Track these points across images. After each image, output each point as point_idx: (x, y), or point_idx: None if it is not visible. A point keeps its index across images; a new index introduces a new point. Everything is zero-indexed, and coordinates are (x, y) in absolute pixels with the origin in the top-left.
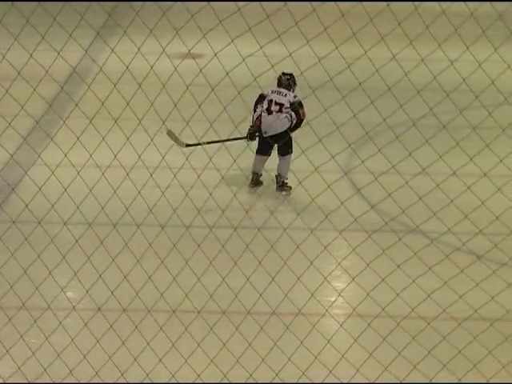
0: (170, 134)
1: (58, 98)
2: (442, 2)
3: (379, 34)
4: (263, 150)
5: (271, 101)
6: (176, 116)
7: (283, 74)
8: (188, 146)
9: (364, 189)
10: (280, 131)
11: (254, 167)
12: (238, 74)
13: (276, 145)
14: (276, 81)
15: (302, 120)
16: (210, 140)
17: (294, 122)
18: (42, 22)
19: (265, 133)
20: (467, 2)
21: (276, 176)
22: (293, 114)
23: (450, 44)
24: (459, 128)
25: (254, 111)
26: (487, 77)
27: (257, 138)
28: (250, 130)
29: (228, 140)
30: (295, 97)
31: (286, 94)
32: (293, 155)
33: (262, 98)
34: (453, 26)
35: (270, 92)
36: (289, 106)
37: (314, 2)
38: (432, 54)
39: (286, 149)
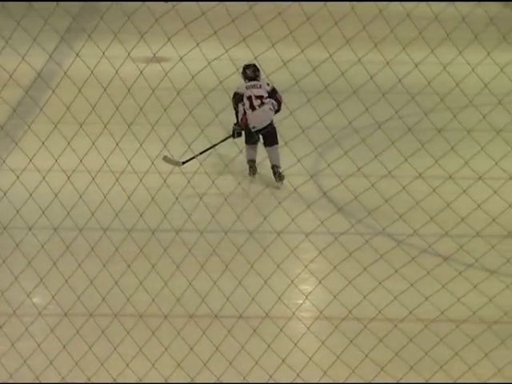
0: (166, 159)
1: (23, 102)
2: (405, 4)
3: (344, 37)
4: (253, 139)
5: (250, 97)
6: (142, 120)
7: (246, 67)
8: (184, 163)
9: (330, 192)
10: (268, 123)
11: (248, 156)
12: (204, 77)
13: (262, 137)
14: (242, 76)
15: (281, 103)
16: (201, 150)
17: (276, 108)
18: (6, 26)
19: (253, 128)
20: (431, 4)
21: (272, 167)
22: (273, 101)
23: (415, 47)
24: (424, 130)
25: (236, 110)
26: (452, 79)
27: (242, 133)
28: (234, 128)
29: (217, 144)
30: (268, 84)
31: (260, 85)
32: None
33: (239, 96)
34: (417, 29)
35: (245, 89)
36: (267, 95)
37: (279, 5)
38: (397, 56)
39: (273, 139)
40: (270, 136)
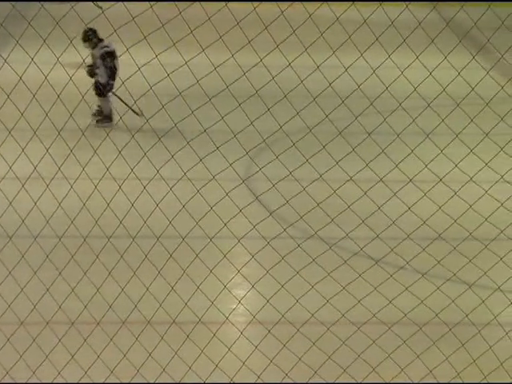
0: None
1: None
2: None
3: (274, 42)
4: None
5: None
6: (72, 125)
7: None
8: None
9: (262, 196)
10: None
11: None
12: (135, 83)
13: None
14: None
15: None
16: None
17: None
18: None
19: None
20: (360, 8)
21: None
22: None
23: (345, 51)
24: (355, 134)
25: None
26: (382, 83)
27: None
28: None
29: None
30: None
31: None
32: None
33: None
34: (347, 33)
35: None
36: None
37: (209, 10)
38: (327, 60)
39: None
40: None
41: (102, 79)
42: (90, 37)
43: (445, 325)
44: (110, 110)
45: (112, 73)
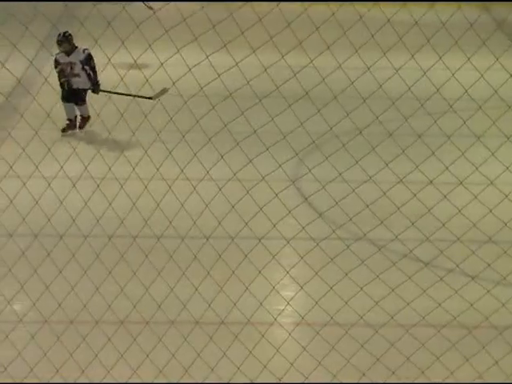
0: (164, 90)
1: (3, 108)
2: (385, 9)
3: (325, 43)
4: None
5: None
6: (123, 126)
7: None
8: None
9: (311, 197)
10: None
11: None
12: (185, 83)
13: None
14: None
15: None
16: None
17: None
18: None
19: None
20: (411, 10)
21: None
22: None
23: (396, 52)
24: (405, 136)
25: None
26: (432, 84)
27: None
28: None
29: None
30: None
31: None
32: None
33: None
34: (398, 35)
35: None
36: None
37: (260, 11)
38: (378, 62)
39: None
40: None
41: (86, 85)
42: (71, 41)
43: (495, 328)
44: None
45: (95, 73)
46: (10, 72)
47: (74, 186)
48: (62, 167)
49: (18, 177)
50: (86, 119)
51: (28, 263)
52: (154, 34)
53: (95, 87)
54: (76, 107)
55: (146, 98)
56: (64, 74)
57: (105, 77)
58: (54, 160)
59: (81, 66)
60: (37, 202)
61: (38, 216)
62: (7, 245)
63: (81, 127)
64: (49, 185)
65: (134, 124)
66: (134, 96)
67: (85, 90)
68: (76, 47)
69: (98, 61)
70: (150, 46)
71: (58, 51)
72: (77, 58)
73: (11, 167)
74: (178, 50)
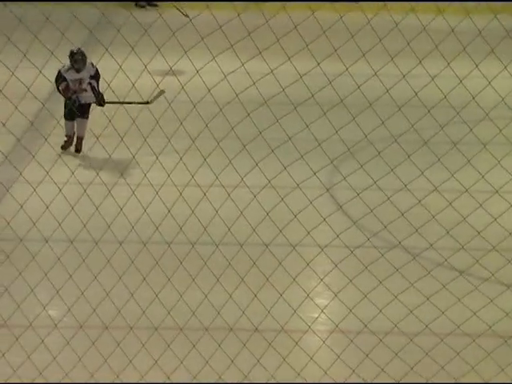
0: (161, 93)
1: (40, 115)
2: (421, 16)
3: (360, 51)
4: None
5: None
6: (158, 132)
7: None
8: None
9: (346, 205)
10: None
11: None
12: (220, 90)
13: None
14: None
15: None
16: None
17: None
18: (23, 39)
19: None
20: (447, 17)
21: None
22: None
23: (431, 60)
24: (440, 144)
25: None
26: (468, 92)
27: None
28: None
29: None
30: None
31: None
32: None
33: None
34: (434, 42)
35: None
36: None
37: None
38: (413, 69)
39: None
40: None
41: (92, 99)
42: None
43: None
44: None
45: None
46: (47, 78)
47: (110, 192)
48: (97, 174)
49: (54, 182)
50: (81, 140)
51: (64, 269)
52: (190, 41)
53: (101, 100)
54: (76, 124)
55: (143, 103)
56: (71, 90)
57: (140, 84)
58: (90, 166)
59: (88, 80)
60: (72, 208)
61: (73, 222)
62: (43, 250)
63: (78, 150)
64: (84, 191)
65: (169, 130)
66: (131, 103)
67: (89, 105)
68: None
69: (134, 68)
70: (185, 52)
71: (65, 65)
72: (87, 73)
73: (47, 173)
74: (214, 58)
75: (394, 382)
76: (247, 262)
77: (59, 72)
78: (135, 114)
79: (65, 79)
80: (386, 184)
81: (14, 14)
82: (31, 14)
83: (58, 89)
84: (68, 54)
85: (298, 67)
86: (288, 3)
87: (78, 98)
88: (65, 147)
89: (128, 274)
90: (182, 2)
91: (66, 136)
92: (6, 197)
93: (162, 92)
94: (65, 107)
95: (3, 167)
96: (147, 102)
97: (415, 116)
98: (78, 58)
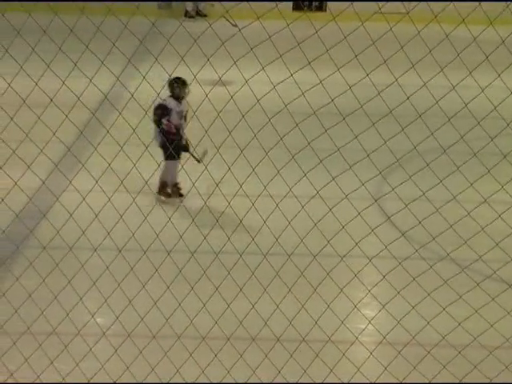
0: (205, 153)
1: (90, 124)
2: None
3: (410, 61)
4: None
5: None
6: (207, 142)
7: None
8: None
9: (394, 216)
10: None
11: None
12: (269, 100)
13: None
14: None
15: (156, 121)
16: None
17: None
18: (74, 49)
19: None
20: (497, 28)
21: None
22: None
23: (481, 71)
24: (490, 155)
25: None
26: None
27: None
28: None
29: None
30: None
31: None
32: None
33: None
34: (484, 53)
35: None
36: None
37: (344, 31)
38: (463, 80)
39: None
40: None
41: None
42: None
43: None
44: None
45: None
46: (97, 88)
47: (158, 202)
48: (146, 183)
49: (103, 192)
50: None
51: (112, 277)
52: (239, 51)
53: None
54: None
55: (197, 160)
56: (173, 125)
57: (191, 94)
58: (139, 175)
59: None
60: (121, 217)
61: (122, 231)
62: (92, 259)
63: (182, 195)
64: (133, 200)
65: (218, 140)
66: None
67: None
68: None
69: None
70: (234, 62)
71: (163, 94)
72: (185, 105)
73: (97, 182)
74: (263, 68)
75: None
76: (295, 273)
77: (163, 105)
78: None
79: (170, 110)
80: (435, 195)
81: (66, 23)
82: (82, 24)
83: (158, 125)
84: (167, 81)
85: (347, 77)
86: (338, 14)
87: (183, 134)
88: (179, 196)
89: (176, 283)
90: (230, 12)
91: (168, 183)
92: (56, 206)
93: (205, 152)
94: (167, 146)
95: (53, 176)
96: (198, 161)
97: (464, 127)
98: (182, 81)
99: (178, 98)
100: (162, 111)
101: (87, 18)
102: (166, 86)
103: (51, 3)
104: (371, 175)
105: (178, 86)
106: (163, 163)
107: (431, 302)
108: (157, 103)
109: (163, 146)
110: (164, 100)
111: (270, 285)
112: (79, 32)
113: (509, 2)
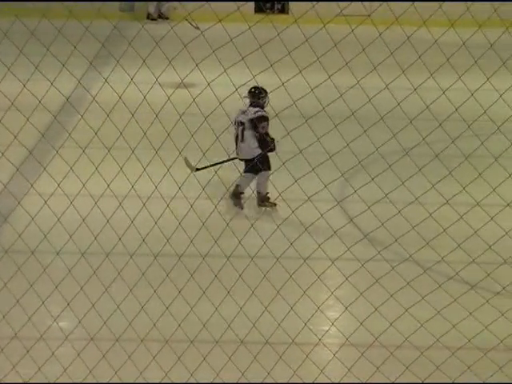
0: (186, 160)
1: (51, 127)
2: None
3: (371, 63)
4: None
5: (235, 122)
6: (169, 145)
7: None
8: (197, 170)
9: (357, 218)
10: (249, 155)
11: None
12: (231, 103)
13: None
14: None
15: (263, 135)
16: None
17: (258, 138)
18: (35, 51)
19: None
20: (458, 30)
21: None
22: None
23: (443, 73)
24: (452, 157)
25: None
26: (479, 106)
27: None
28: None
29: (228, 160)
30: (255, 112)
31: (245, 111)
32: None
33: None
34: (445, 56)
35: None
36: (249, 123)
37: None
38: (424, 83)
39: (251, 167)
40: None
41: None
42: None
43: None
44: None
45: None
46: (58, 91)
47: (121, 204)
48: (108, 186)
49: (65, 195)
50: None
51: (74, 281)
52: (201, 54)
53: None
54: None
55: (192, 169)
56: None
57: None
58: (101, 178)
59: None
60: (83, 220)
61: (84, 234)
62: (54, 262)
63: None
64: (95, 203)
65: (179, 143)
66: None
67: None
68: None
69: (146, 80)
70: (196, 65)
71: (256, 104)
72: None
73: (58, 185)
74: (225, 70)
75: None
76: (258, 275)
77: (267, 116)
78: (145, 127)
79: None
80: (397, 197)
81: (27, 26)
82: (43, 26)
83: (265, 137)
84: (248, 91)
85: (310, 80)
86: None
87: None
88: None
89: (139, 287)
90: (192, 15)
91: (241, 192)
92: (18, 209)
93: (187, 160)
94: (265, 158)
95: (14, 179)
96: (197, 170)
97: (426, 129)
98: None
99: (263, 107)
100: (267, 122)
101: (48, 21)
102: (247, 95)
103: (12, 6)
104: (334, 177)
105: (265, 96)
106: (248, 175)
107: (394, 303)
108: (259, 114)
109: (260, 158)
110: (264, 111)
111: (232, 287)
112: (40, 35)
113: (470, 3)
